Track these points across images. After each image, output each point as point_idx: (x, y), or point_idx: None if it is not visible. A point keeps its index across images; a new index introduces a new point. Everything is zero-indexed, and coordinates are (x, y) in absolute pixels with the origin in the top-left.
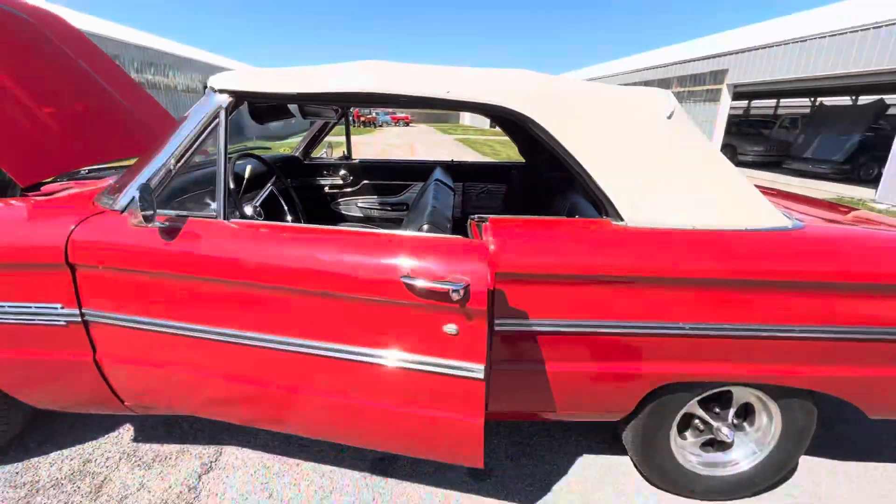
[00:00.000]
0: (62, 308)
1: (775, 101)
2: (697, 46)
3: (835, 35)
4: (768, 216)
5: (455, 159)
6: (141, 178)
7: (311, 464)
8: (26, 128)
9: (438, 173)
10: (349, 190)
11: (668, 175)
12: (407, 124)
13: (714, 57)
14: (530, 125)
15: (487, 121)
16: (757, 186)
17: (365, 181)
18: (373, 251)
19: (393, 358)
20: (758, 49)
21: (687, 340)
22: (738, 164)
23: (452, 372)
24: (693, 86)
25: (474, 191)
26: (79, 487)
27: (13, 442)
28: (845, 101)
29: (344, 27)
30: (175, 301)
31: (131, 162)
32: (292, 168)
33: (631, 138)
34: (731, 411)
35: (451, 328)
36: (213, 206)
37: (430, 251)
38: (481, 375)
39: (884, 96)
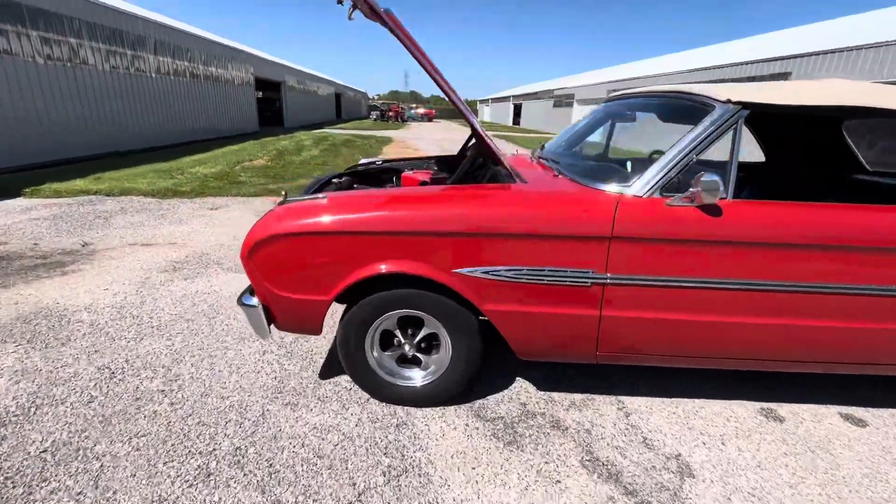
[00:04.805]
0: (594, 272)
1: None
2: None
3: None
4: None
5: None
6: (663, 169)
7: (714, 400)
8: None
9: None
10: None
11: None
12: (430, 119)
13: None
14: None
15: (509, 117)
16: None
17: None
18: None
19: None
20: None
21: None
22: None
23: None
24: None
25: None
26: (541, 425)
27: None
28: None
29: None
30: (706, 261)
31: None
32: None
33: None
34: None
35: None
36: (720, 189)
37: None
38: None
39: None
